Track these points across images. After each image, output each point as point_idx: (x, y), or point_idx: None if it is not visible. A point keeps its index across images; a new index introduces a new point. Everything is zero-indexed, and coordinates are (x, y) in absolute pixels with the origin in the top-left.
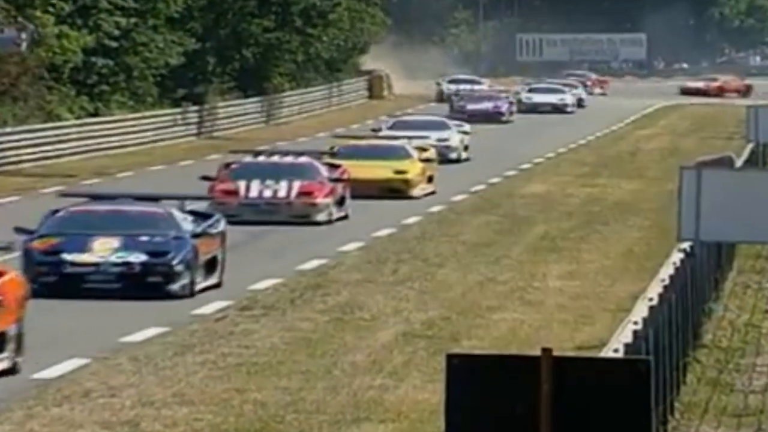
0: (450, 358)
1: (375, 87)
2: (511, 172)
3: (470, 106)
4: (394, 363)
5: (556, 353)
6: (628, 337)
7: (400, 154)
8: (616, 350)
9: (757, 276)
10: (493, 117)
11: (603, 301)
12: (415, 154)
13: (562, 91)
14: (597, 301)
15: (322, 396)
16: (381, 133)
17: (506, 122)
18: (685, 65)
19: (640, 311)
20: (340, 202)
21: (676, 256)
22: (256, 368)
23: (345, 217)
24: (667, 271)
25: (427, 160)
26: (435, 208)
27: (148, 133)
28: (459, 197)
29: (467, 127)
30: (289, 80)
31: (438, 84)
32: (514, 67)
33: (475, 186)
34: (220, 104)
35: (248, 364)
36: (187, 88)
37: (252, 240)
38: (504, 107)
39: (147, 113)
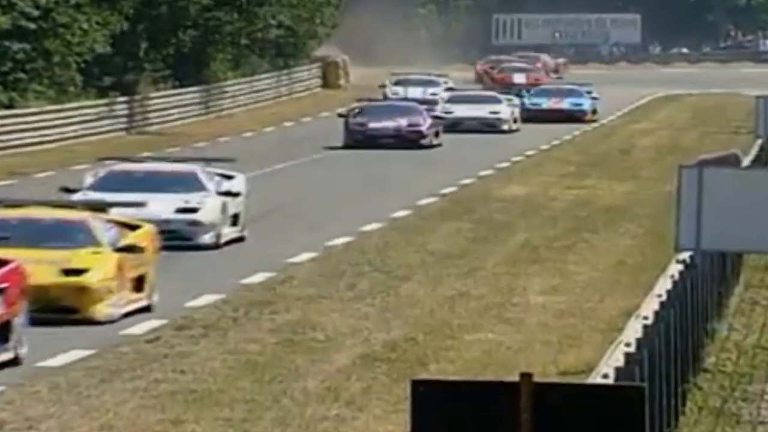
0: (416, 384)
1: (330, 75)
2: (487, 172)
3: (374, 125)
4: (351, 390)
5: (537, 379)
6: (619, 361)
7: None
8: (605, 375)
9: (766, 291)
10: (406, 139)
11: (591, 319)
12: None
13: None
14: (584, 319)
15: (269, 428)
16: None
17: (430, 146)
18: (684, 50)
19: (633, 331)
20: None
21: (675, 268)
22: (194, 396)
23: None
24: (663, 286)
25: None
26: (399, 213)
27: (71, 128)
28: (426, 200)
29: None
30: (232, 67)
31: (383, 86)
32: (490, 51)
33: (445, 188)
34: (153, 94)
35: (185, 391)
36: (115, 76)
37: (188, 252)
38: (424, 125)
39: (69, 105)
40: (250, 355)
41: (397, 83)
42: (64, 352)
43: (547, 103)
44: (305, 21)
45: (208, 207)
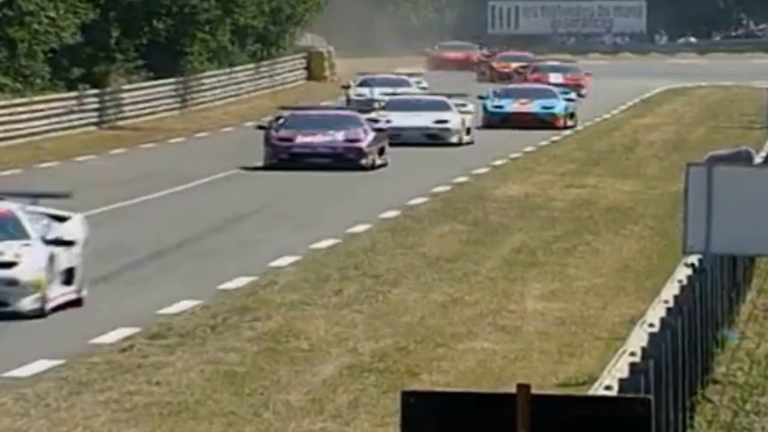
0: (406, 396)
1: (315, 66)
2: (482, 170)
3: (302, 139)
4: (337, 403)
5: (534, 391)
6: (623, 371)
7: None
8: (608, 387)
9: None
10: (342, 158)
11: (593, 327)
12: None
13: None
14: (586, 327)
15: None
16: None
17: (372, 167)
18: (693, 39)
19: (638, 340)
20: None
21: (682, 273)
22: (170, 409)
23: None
24: (670, 291)
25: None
26: (388, 214)
27: (38, 123)
28: (417, 200)
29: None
30: (210, 58)
31: (346, 87)
32: (485, 41)
33: (437, 187)
34: (126, 87)
35: (160, 404)
36: (84, 68)
37: (162, 254)
38: (365, 139)
39: (36, 98)
40: (229, 366)
41: (362, 84)
42: (32, 361)
43: (511, 106)
44: (288, 3)
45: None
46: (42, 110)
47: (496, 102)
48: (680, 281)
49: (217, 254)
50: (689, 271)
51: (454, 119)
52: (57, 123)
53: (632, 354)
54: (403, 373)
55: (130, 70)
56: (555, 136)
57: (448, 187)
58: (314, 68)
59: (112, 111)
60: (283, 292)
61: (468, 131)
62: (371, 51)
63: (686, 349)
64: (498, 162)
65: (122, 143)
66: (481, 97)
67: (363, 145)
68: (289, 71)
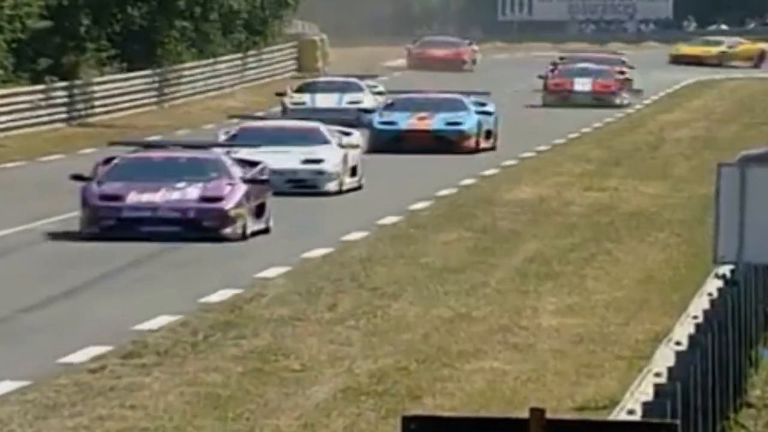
0: (407, 421)
1: (306, 56)
2: (491, 171)
3: (136, 197)
4: (332, 429)
5: (549, 415)
6: (647, 394)
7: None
8: (631, 411)
9: None
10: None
11: (614, 345)
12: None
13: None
14: (606, 345)
15: None
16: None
17: (235, 238)
18: (724, 27)
19: (664, 359)
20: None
21: (712, 285)
22: None
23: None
24: (699, 305)
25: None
26: (386, 220)
27: (0, 119)
28: (420, 205)
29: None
30: (190, 47)
31: (281, 95)
32: (495, 28)
33: (442, 189)
34: (97, 80)
35: (135, 430)
36: (52, 58)
37: (138, 263)
38: (232, 197)
39: None
40: (211, 388)
41: (301, 89)
42: None
43: (406, 122)
44: None
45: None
46: (5, 105)
47: (387, 117)
48: (710, 294)
49: (197, 264)
50: (720, 283)
51: (332, 157)
52: (21, 119)
53: (657, 375)
54: (404, 396)
55: (102, 60)
56: (572, 133)
57: (453, 190)
58: (305, 58)
59: (82, 106)
60: (272, 306)
61: (354, 171)
62: (368, 39)
63: (717, 369)
64: (509, 162)
65: (94, 141)
66: (365, 111)
67: (226, 205)
68: (278, 62)
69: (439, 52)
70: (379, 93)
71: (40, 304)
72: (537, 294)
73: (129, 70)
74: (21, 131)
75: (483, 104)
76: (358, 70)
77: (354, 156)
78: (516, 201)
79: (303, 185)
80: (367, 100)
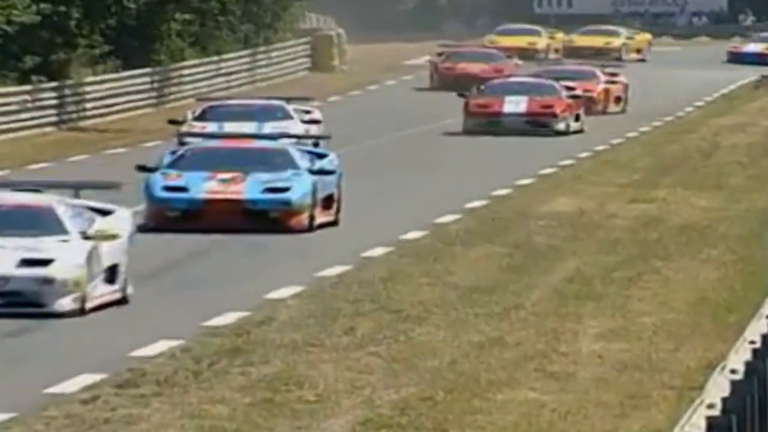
0: None
1: (321, 53)
2: (526, 181)
3: None
4: None
5: None
6: (700, 428)
7: None
8: None
9: None
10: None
11: (662, 373)
12: None
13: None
14: (653, 373)
15: None
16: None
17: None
18: None
19: (718, 389)
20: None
21: None
22: None
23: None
24: (757, 329)
25: None
26: (410, 235)
27: None
28: (447, 218)
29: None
30: (192, 43)
31: (176, 122)
32: (531, 22)
33: (472, 201)
34: (89, 79)
35: None
36: (39, 56)
37: (138, 283)
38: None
39: None
40: (216, 420)
41: (204, 115)
42: None
43: (201, 187)
44: None
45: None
46: None
47: (173, 180)
48: None
49: (200, 284)
50: None
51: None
52: (7, 123)
53: (710, 406)
54: (430, 429)
55: (95, 58)
56: (615, 138)
57: (484, 202)
58: (320, 56)
59: (73, 108)
60: (283, 330)
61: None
62: (389, 35)
63: None
64: (546, 170)
65: (86, 147)
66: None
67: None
68: (290, 59)
69: (474, 68)
70: (313, 121)
71: (27, 327)
72: (577, 317)
73: (125, 68)
74: (6, 136)
75: (320, 154)
76: (379, 68)
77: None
78: (553, 214)
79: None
80: (296, 131)
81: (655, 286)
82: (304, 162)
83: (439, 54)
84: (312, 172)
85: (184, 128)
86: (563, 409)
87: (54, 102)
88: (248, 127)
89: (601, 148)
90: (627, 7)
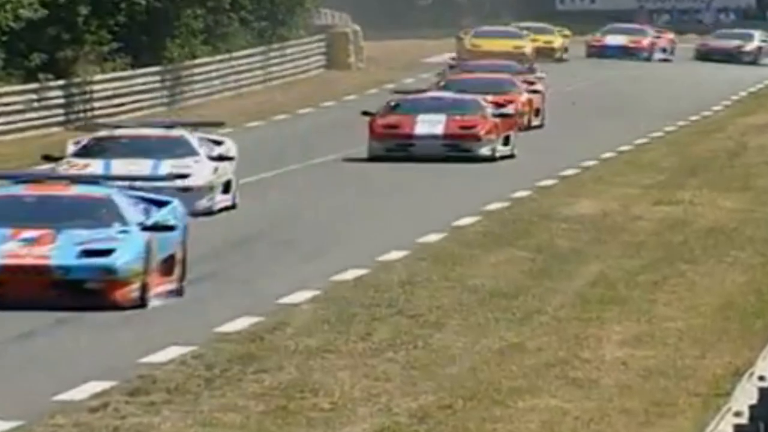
0: None
1: (337, 51)
2: (548, 182)
3: None
4: None
5: None
6: None
7: None
8: None
9: None
10: None
11: (688, 380)
12: None
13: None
14: (679, 380)
15: None
16: None
17: None
18: None
19: (746, 396)
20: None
21: None
22: None
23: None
24: None
25: None
26: (429, 238)
27: None
28: (466, 220)
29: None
30: (204, 41)
31: (51, 159)
32: (553, 19)
33: (492, 203)
34: (98, 78)
35: None
36: (47, 53)
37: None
38: None
39: None
40: (228, 429)
41: (88, 148)
42: None
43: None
44: None
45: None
46: None
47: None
48: None
49: (212, 288)
50: None
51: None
52: (13, 122)
53: (737, 414)
54: None
55: (104, 55)
56: (640, 138)
57: (505, 204)
58: (335, 53)
59: (81, 107)
60: (298, 336)
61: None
62: (408, 31)
63: None
64: (568, 172)
65: None
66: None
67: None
68: (304, 57)
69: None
70: (223, 158)
71: (33, 331)
72: (600, 322)
73: (134, 66)
74: (11, 136)
75: (160, 202)
76: (397, 66)
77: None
78: (576, 216)
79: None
80: (198, 177)
81: (681, 291)
82: (135, 213)
83: (454, 58)
84: (145, 228)
85: (63, 166)
86: (586, 417)
87: (61, 101)
88: (141, 166)
89: (625, 148)
90: (652, 4)
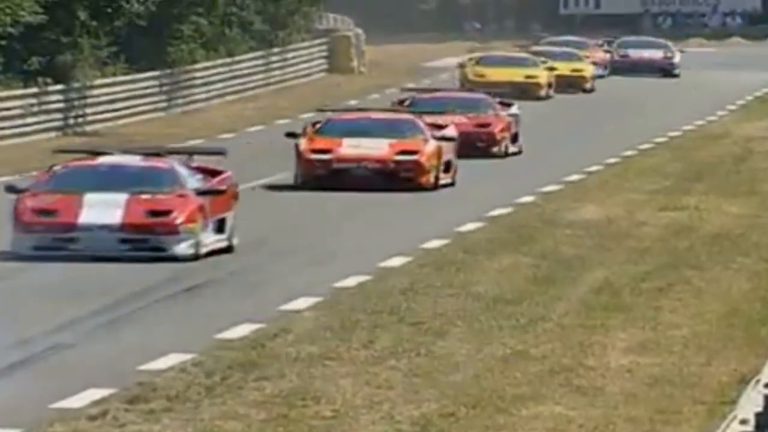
0: None
1: (339, 54)
2: (553, 188)
3: None
4: None
5: None
6: None
7: None
8: None
9: None
10: None
11: (694, 387)
12: None
13: None
14: (685, 387)
15: None
16: None
17: None
18: None
19: (751, 404)
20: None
21: None
22: None
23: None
24: None
25: None
26: (431, 244)
27: None
28: (470, 226)
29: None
30: (204, 45)
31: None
32: (556, 23)
33: (496, 209)
34: (97, 82)
35: None
36: (45, 57)
37: (145, 294)
38: None
39: None
40: None
41: None
42: None
43: None
44: None
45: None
46: None
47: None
48: None
49: (212, 294)
50: None
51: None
52: (10, 127)
53: (743, 422)
54: None
55: (103, 60)
56: (644, 143)
57: (509, 209)
58: (337, 57)
59: (79, 112)
60: (299, 343)
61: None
62: (410, 36)
63: None
64: (572, 177)
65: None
66: None
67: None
68: (306, 61)
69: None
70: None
71: (31, 338)
72: (605, 329)
73: (133, 71)
74: (9, 141)
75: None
76: (399, 70)
77: None
78: (580, 222)
79: None
80: None
81: (686, 297)
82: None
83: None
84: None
85: None
86: (591, 425)
87: (59, 106)
88: None
89: (629, 153)
90: (657, 7)
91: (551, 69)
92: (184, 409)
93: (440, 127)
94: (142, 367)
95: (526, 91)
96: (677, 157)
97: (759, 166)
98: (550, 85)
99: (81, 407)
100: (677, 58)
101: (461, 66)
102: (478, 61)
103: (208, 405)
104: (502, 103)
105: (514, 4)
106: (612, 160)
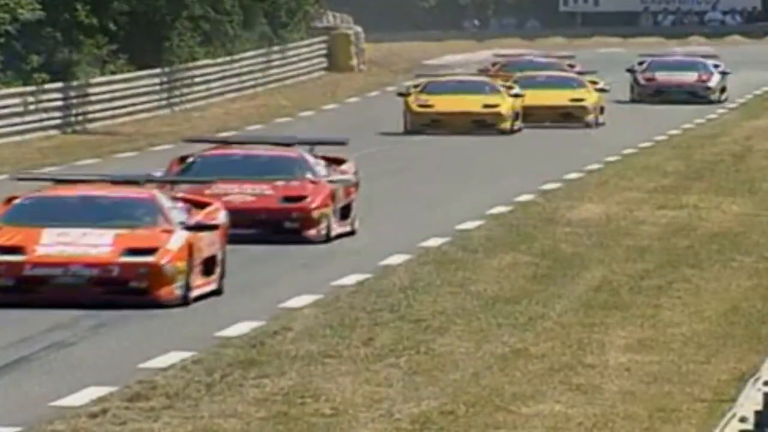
0: None
1: (338, 52)
2: (552, 186)
3: None
4: None
5: None
6: None
7: None
8: None
9: None
10: None
11: (693, 385)
12: None
13: None
14: (684, 385)
15: None
16: None
17: None
18: None
19: (751, 401)
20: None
21: None
22: None
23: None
24: None
25: None
26: (432, 242)
27: None
28: (470, 224)
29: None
30: (204, 43)
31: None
32: (555, 20)
33: (495, 207)
34: (96, 80)
35: None
36: (44, 55)
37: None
38: None
39: None
40: None
41: None
42: None
43: None
44: None
45: None
46: None
47: None
48: None
49: (212, 293)
50: None
51: None
52: (9, 125)
53: (743, 420)
54: None
55: (102, 57)
56: (644, 142)
57: (508, 208)
58: (337, 55)
59: (78, 111)
60: (299, 341)
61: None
62: (410, 33)
63: None
64: (572, 176)
65: (92, 151)
66: None
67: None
68: (305, 59)
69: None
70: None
71: (31, 336)
72: (604, 327)
73: (133, 68)
74: (8, 139)
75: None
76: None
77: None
78: (580, 220)
79: None
80: None
81: (686, 296)
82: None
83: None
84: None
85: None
86: (590, 423)
87: (59, 104)
88: None
89: (628, 151)
90: (657, 5)
91: (517, 96)
92: (184, 407)
93: (339, 162)
94: (143, 365)
95: (484, 124)
96: (676, 156)
97: (758, 165)
98: (516, 116)
99: (81, 405)
100: (714, 81)
101: (402, 95)
102: (424, 88)
103: (208, 403)
104: (328, 160)
105: (514, 1)
106: (611, 159)
